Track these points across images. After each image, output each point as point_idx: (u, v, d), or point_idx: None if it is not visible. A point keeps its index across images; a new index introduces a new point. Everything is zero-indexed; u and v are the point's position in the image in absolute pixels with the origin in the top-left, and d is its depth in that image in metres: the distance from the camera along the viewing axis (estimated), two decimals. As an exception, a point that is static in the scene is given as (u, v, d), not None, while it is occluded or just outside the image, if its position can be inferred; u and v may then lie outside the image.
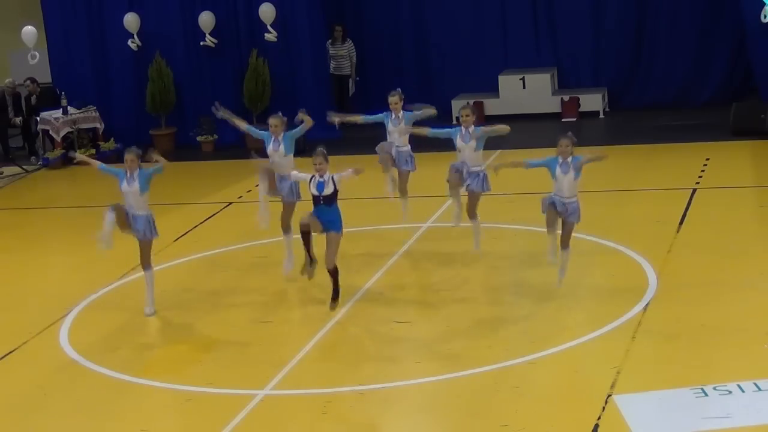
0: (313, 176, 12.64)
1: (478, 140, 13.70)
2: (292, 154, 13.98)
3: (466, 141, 13.70)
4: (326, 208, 12.58)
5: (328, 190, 12.56)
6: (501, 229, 14.73)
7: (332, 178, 12.57)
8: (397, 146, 14.78)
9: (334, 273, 12.70)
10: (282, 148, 13.90)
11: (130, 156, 13.19)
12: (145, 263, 13.32)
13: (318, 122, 22.02)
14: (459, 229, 14.34)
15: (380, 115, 14.89)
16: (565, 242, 12.72)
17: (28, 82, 22.69)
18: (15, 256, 16.46)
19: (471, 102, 22.30)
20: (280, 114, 14.29)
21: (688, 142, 19.52)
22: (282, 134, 13.94)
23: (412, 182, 15.14)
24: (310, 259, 12.80)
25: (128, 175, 13.12)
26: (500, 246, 14.42)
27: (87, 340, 12.82)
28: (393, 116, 14.79)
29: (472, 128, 13.71)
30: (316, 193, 12.60)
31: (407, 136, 14.74)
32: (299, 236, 13.21)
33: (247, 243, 15.71)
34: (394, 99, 14.75)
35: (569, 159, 12.56)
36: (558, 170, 12.52)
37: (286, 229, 14.09)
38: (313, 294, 13.25)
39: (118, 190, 13.23)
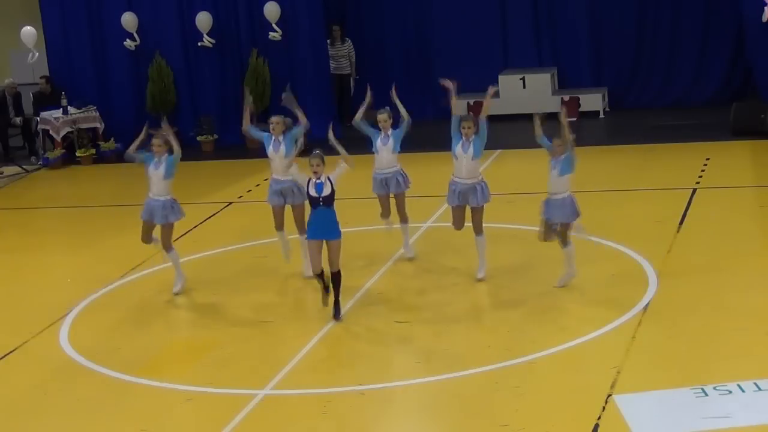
0: (309, 179, 12.63)
1: (476, 146, 13.37)
2: (292, 156, 13.95)
3: (466, 150, 13.38)
4: (325, 210, 12.55)
5: (327, 191, 12.55)
6: (500, 229, 14.71)
7: (329, 179, 12.58)
8: (385, 170, 14.21)
9: (337, 277, 12.65)
10: (283, 148, 13.89)
11: (157, 141, 13.71)
12: (166, 245, 13.82)
13: (318, 122, 22.16)
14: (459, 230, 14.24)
15: (372, 129, 14.25)
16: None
17: (43, 81, 22.64)
18: (15, 256, 16.45)
19: (472, 103, 22.47)
20: (283, 116, 14.27)
21: (688, 142, 19.52)
22: (282, 135, 13.92)
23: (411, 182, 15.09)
24: (325, 289, 12.79)
25: (156, 159, 13.66)
26: (500, 246, 14.41)
27: (87, 340, 12.82)
28: (382, 135, 14.17)
29: (473, 137, 13.37)
30: (315, 194, 12.58)
31: (397, 155, 14.21)
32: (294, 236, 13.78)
33: (247, 243, 15.72)
34: (383, 117, 14.12)
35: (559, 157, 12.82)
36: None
37: (279, 227, 14.20)
38: (314, 294, 13.24)
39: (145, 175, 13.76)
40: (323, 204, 12.56)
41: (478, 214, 13.52)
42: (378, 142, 14.18)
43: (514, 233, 15.22)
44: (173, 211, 13.73)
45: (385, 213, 14.39)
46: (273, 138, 13.91)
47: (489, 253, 13.77)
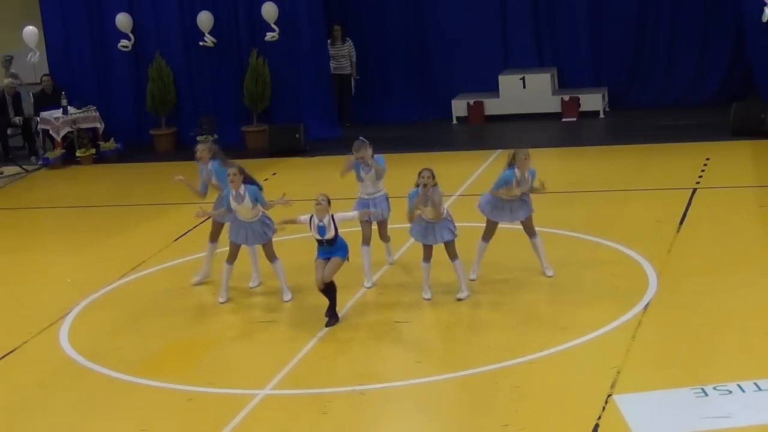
0: (312, 217, 12.57)
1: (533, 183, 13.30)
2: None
3: (522, 184, 13.26)
4: (330, 247, 12.63)
5: (330, 233, 12.56)
6: (500, 229, 14.67)
7: (332, 219, 12.52)
8: (372, 194, 13.80)
9: (330, 286, 12.63)
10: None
11: (232, 170, 13.17)
12: (270, 257, 13.45)
13: (318, 121, 22.20)
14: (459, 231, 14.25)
15: (355, 165, 13.79)
16: None
17: (47, 78, 22.64)
18: (15, 256, 16.45)
19: (472, 103, 22.50)
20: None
21: (688, 142, 19.52)
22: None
23: (410, 183, 15.02)
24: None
25: (234, 193, 13.17)
26: (499, 246, 14.39)
27: (87, 340, 12.82)
28: (363, 164, 13.79)
29: (528, 171, 13.25)
30: (318, 237, 12.61)
31: (381, 182, 13.86)
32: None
33: (247, 243, 15.68)
34: (360, 154, 13.70)
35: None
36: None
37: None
38: (313, 294, 13.22)
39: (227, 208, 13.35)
40: (327, 244, 12.63)
41: (530, 222, 13.60)
42: (360, 172, 13.83)
43: (514, 233, 15.21)
44: (268, 227, 13.36)
45: (366, 240, 13.87)
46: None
47: (488, 252, 13.79)
